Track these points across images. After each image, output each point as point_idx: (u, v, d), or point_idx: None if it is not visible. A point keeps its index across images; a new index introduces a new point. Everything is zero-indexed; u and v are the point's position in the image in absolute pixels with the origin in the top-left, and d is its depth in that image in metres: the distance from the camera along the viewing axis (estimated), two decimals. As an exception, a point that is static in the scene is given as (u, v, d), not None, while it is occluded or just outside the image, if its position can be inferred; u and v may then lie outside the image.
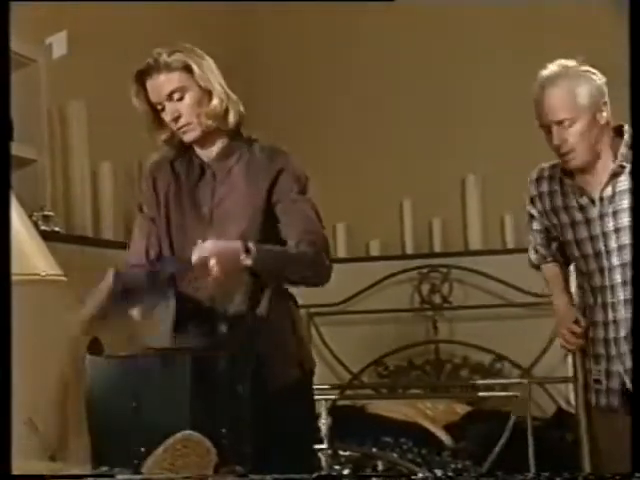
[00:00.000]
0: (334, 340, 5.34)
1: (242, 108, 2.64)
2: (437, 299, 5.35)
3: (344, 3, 5.14)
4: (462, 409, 4.83)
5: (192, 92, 2.55)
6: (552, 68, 2.79)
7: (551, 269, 3.07)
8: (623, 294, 2.76)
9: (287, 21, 5.44)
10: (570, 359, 3.92)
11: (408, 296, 5.40)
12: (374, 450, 4.27)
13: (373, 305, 5.32)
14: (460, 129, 5.17)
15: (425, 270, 5.35)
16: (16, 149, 3.13)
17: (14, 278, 2.02)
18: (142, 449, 2.25)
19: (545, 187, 2.93)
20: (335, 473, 3.87)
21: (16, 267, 2.08)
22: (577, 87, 2.74)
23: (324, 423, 4.07)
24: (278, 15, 5.37)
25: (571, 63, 2.79)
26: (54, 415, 3.35)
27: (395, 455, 4.22)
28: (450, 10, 5.22)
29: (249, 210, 2.56)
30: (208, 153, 2.63)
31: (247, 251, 2.40)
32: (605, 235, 2.78)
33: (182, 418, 2.29)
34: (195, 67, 2.54)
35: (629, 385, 2.74)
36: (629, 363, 2.75)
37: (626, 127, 2.79)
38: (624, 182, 2.75)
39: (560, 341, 3.05)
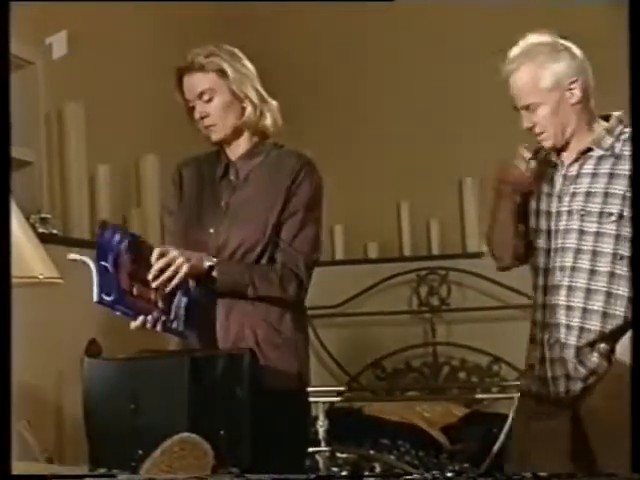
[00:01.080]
0: (332, 342, 5.34)
1: (279, 115, 2.69)
2: (435, 301, 5.35)
3: (344, 4, 5.14)
4: (460, 411, 4.83)
5: (222, 95, 2.61)
6: (517, 48, 2.69)
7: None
8: (559, 279, 2.67)
9: (286, 21, 5.45)
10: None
11: (406, 298, 5.40)
12: (371, 452, 4.27)
13: (371, 307, 5.32)
14: (458, 131, 5.16)
15: (423, 272, 5.34)
16: (14, 152, 3.12)
17: (12, 281, 2.02)
18: (140, 451, 2.25)
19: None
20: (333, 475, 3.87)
21: (14, 270, 2.07)
22: (541, 69, 2.65)
23: (322, 425, 4.08)
24: (276, 15, 5.38)
25: (538, 39, 2.68)
26: (52, 416, 3.35)
27: (392, 457, 4.22)
28: (450, 10, 5.22)
29: (262, 209, 2.61)
30: (234, 151, 2.69)
31: (209, 259, 2.52)
32: (558, 214, 2.70)
33: (180, 420, 2.29)
34: (230, 72, 2.60)
35: (551, 373, 2.66)
36: (556, 352, 2.66)
37: (615, 114, 2.70)
38: (591, 165, 2.67)
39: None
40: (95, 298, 2.32)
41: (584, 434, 2.66)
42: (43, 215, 3.47)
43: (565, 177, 2.71)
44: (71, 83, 3.80)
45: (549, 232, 2.71)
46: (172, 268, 2.44)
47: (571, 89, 2.66)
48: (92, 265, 2.34)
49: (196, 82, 2.61)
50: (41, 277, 2.53)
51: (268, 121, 2.67)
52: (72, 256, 2.38)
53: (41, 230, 3.36)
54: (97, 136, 3.88)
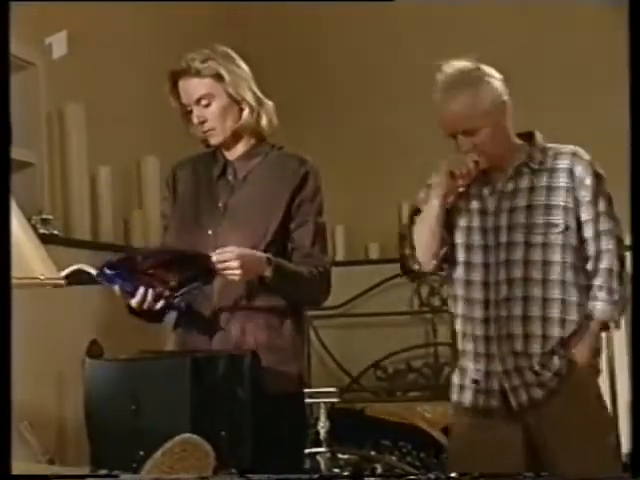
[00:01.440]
0: (333, 343, 5.34)
1: (274, 116, 2.69)
2: (436, 302, 5.35)
3: (344, 4, 5.15)
4: (461, 412, 4.83)
5: (220, 100, 2.60)
6: (449, 72, 2.77)
7: None
8: (506, 292, 2.71)
9: (285, 21, 5.45)
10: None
11: (407, 299, 5.40)
12: (373, 453, 4.27)
13: (372, 308, 5.32)
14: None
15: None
16: (15, 153, 3.12)
17: (13, 282, 2.02)
18: (141, 452, 2.25)
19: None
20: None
21: (15, 271, 2.07)
22: (478, 93, 2.71)
23: (323, 426, 4.08)
24: (273, 15, 5.38)
25: (463, 65, 2.77)
26: (54, 418, 3.35)
27: (394, 458, 4.22)
28: (450, 11, 5.23)
29: (264, 211, 2.61)
30: (233, 152, 2.69)
31: (269, 263, 2.50)
32: (497, 229, 2.74)
33: (181, 421, 2.29)
34: (226, 75, 2.59)
35: (508, 385, 2.71)
36: (510, 363, 2.71)
37: (537, 133, 2.80)
38: (526, 181, 2.74)
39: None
40: (94, 271, 2.34)
41: (541, 442, 2.71)
42: (44, 216, 3.47)
43: (502, 193, 2.76)
44: (72, 84, 3.80)
45: (486, 247, 2.76)
46: (227, 270, 2.45)
47: (504, 109, 2.74)
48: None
49: (193, 87, 2.60)
50: (42, 278, 2.52)
51: (264, 122, 2.67)
52: (79, 267, 2.41)
53: (42, 231, 3.37)
54: (98, 137, 3.88)
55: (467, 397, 2.78)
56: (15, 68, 3.34)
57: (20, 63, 3.50)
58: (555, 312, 2.71)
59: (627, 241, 2.62)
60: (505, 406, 2.72)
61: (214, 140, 2.65)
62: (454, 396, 2.83)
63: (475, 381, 2.76)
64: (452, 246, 2.81)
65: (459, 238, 2.80)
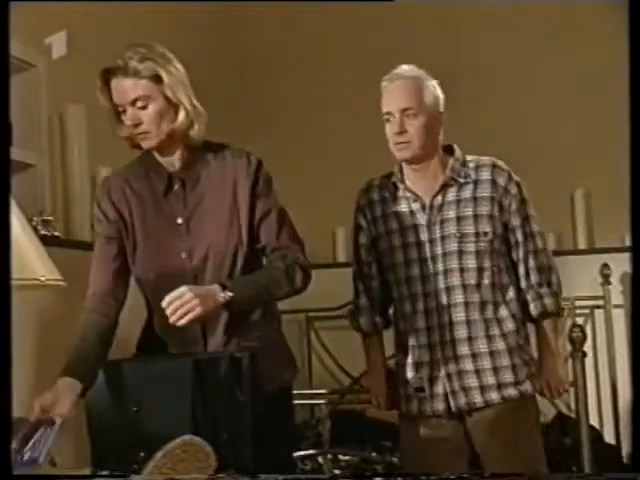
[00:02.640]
0: (333, 344, 5.33)
1: (205, 124, 2.58)
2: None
3: (344, 4, 5.14)
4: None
5: (157, 102, 2.49)
6: (399, 68, 2.90)
7: (376, 343, 3.13)
8: (446, 299, 2.86)
9: (284, 21, 5.45)
10: (570, 364, 3.94)
11: (408, 300, 5.39)
12: (374, 454, 4.26)
13: (373, 309, 5.30)
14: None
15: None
16: (15, 154, 3.13)
17: (14, 283, 2.02)
18: (142, 454, 2.25)
19: (376, 196, 3.00)
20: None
21: (16, 272, 2.08)
22: (425, 86, 2.86)
23: (324, 428, 4.07)
24: (271, 15, 5.38)
25: (415, 68, 2.90)
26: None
27: (395, 459, 4.21)
28: (450, 10, 5.23)
29: (226, 214, 2.54)
30: (171, 162, 2.58)
31: (223, 288, 2.42)
32: (432, 242, 2.87)
33: (182, 422, 2.29)
34: (165, 77, 2.48)
35: (449, 389, 2.86)
36: (453, 367, 2.86)
37: (455, 146, 2.94)
38: (453, 194, 2.88)
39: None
40: None
41: (478, 442, 2.92)
42: (45, 217, 3.47)
43: (431, 207, 2.89)
44: (72, 85, 3.80)
45: (423, 260, 2.89)
46: (184, 309, 2.34)
47: (439, 117, 2.88)
48: None
49: (129, 87, 2.48)
50: (43, 279, 2.52)
51: (196, 128, 2.54)
52: None
53: (43, 232, 3.36)
54: (99, 138, 3.88)
55: (414, 406, 2.93)
56: (16, 69, 3.35)
57: (21, 64, 3.50)
58: (489, 313, 2.87)
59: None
60: (448, 407, 2.87)
61: (147, 143, 2.53)
62: (402, 406, 2.99)
63: (418, 389, 2.91)
64: (393, 265, 2.93)
65: (398, 257, 2.92)
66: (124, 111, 2.51)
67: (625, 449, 4.70)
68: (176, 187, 2.57)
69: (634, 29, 1.83)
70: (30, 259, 2.51)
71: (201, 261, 2.52)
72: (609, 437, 4.74)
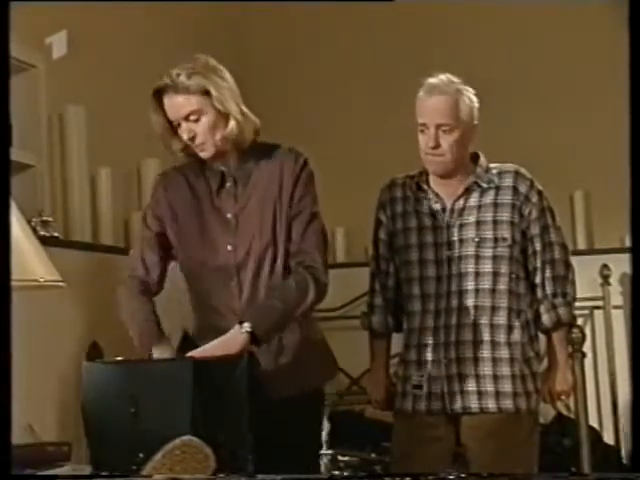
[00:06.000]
0: (333, 345, 5.31)
1: (258, 124, 2.69)
2: (436, 303, 5.33)
3: (344, 4, 5.14)
4: (461, 414, 4.81)
5: (208, 115, 2.59)
6: (435, 78, 2.91)
7: (383, 345, 3.20)
8: (457, 302, 2.87)
9: (282, 21, 5.45)
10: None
11: (407, 301, 5.39)
12: (373, 455, 4.26)
13: (372, 310, 5.30)
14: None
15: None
16: (15, 154, 3.13)
17: (13, 284, 2.02)
18: (141, 455, 2.25)
19: (399, 193, 3.03)
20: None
21: (15, 273, 2.08)
22: (460, 99, 2.87)
23: (323, 428, 4.07)
24: (271, 15, 5.38)
25: (453, 78, 2.92)
26: (55, 419, 3.35)
27: (394, 460, 4.21)
28: (449, 10, 5.23)
29: (270, 212, 2.63)
30: (226, 162, 2.68)
31: (240, 324, 2.47)
32: (450, 244, 2.90)
33: (181, 423, 2.28)
34: (213, 91, 2.58)
35: (447, 390, 2.88)
36: (454, 369, 2.88)
37: (480, 153, 2.97)
38: (475, 199, 2.91)
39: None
40: None
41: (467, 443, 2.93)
42: (44, 218, 3.46)
43: (452, 210, 2.92)
44: (72, 86, 3.80)
45: (439, 261, 2.91)
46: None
47: (473, 129, 2.90)
48: None
49: (181, 104, 2.58)
50: (42, 280, 2.53)
51: (246, 133, 2.65)
52: None
53: (42, 233, 3.36)
54: (98, 139, 3.88)
55: (409, 403, 2.95)
56: (16, 70, 3.34)
57: (21, 65, 3.49)
58: (502, 319, 2.88)
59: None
60: (443, 408, 2.89)
61: (205, 154, 2.64)
62: (397, 404, 3.00)
63: (416, 386, 2.93)
64: (407, 263, 2.95)
65: (413, 256, 2.95)
66: (179, 125, 2.62)
67: (625, 449, 4.69)
68: (228, 185, 2.68)
69: (634, 29, 1.83)
70: (29, 260, 2.51)
71: (244, 256, 2.61)
72: (608, 437, 4.73)
